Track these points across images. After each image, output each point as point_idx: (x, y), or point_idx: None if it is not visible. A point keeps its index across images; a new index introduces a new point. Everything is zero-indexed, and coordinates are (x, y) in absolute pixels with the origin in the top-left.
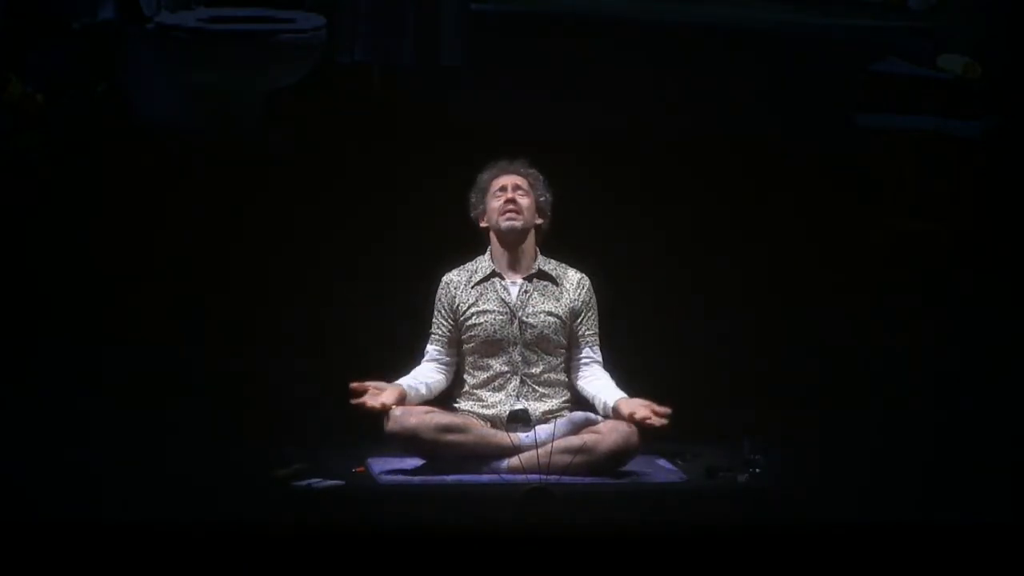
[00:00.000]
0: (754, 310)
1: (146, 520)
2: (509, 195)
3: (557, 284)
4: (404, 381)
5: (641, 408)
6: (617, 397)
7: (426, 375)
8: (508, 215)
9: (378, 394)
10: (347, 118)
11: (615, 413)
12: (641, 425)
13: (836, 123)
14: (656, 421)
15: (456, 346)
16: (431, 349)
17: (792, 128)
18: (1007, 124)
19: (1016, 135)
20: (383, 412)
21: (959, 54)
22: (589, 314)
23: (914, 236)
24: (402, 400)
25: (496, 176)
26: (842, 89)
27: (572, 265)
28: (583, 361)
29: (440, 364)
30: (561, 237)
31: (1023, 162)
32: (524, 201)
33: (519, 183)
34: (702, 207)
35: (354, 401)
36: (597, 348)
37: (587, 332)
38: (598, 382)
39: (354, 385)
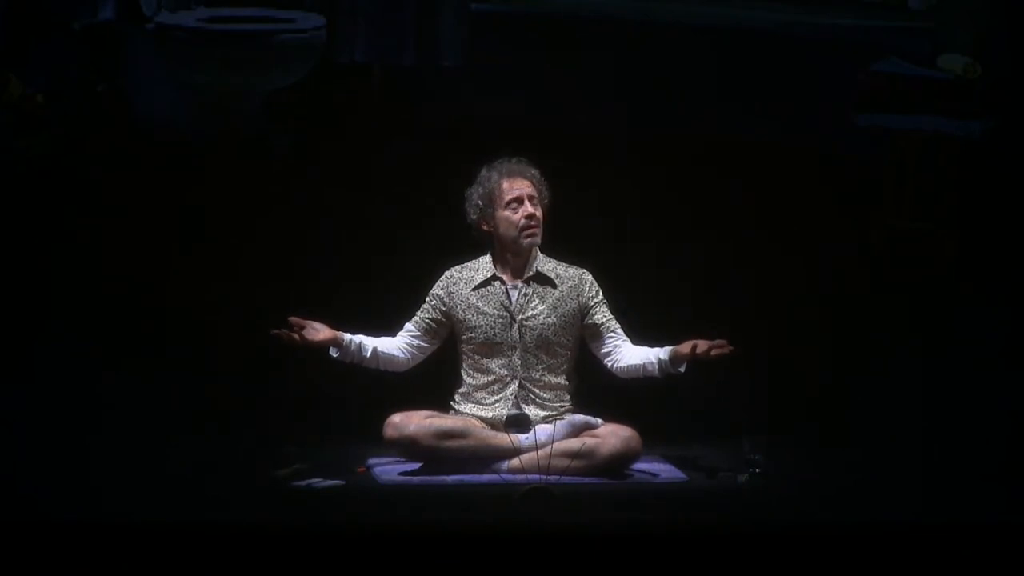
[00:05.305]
0: (753, 310)
1: (146, 520)
2: (529, 209)
3: (556, 287)
4: (358, 336)
5: (700, 344)
6: (667, 350)
7: (384, 343)
8: (530, 232)
9: (315, 333)
10: (347, 118)
11: (674, 363)
12: (708, 357)
13: (836, 123)
14: (721, 350)
15: (432, 337)
16: (407, 327)
17: (792, 128)
18: (1007, 124)
19: (1016, 135)
20: (307, 347)
21: (959, 54)
22: (601, 305)
23: (914, 236)
24: (338, 345)
25: (506, 181)
26: (842, 89)
27: (571, 263)
28: (615, 345)
29: (407, 344)
30: (560, 236)
31: (1023, 162)
32: (539, 212)
33: (532, 193)
34: (702, 206)
35: (279, 332)
36: (619, 328)
37: (606, 320)
38: (638, 353)
39: (293, 319)
